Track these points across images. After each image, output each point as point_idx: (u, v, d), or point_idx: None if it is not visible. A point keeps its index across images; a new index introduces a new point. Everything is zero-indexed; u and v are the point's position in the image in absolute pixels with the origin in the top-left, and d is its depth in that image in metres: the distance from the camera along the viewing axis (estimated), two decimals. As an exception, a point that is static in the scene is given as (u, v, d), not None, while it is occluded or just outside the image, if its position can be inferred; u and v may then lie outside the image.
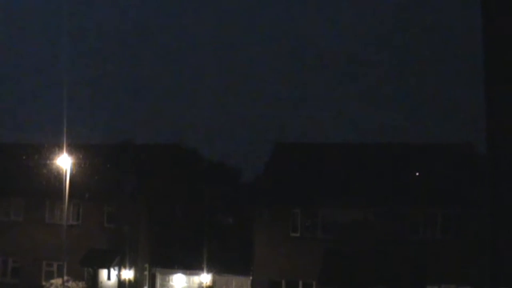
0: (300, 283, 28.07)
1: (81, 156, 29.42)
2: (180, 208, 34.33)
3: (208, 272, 30.37)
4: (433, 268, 26.35)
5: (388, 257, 26.58)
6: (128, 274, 30.35)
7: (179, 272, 31.62)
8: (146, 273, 31.67)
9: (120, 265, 30.26)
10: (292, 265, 27.92)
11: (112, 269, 30.21)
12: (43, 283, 30.35)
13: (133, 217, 30.65)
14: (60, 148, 26.86)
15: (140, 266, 31.10)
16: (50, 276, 30.68)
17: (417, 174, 28.87)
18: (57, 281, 29.18)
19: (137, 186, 31.16)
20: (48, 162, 29.09)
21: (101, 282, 30.72)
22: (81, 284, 29.59)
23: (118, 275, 30.33)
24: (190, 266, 31.14)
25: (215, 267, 30.51)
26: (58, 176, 27.83)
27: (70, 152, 26.83)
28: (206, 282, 30.53)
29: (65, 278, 28.00)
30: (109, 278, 30.48)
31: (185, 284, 31.68)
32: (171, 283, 31.95)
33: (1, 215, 32.49)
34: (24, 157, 31.57)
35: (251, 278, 29.20)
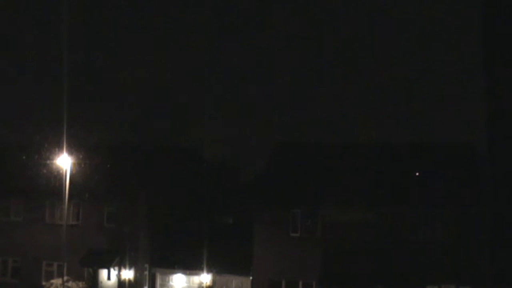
0: (300, 283, 28.10)
1: (81, 156, 29.43)
2: (180, 208, 34.33)
3: (208, 272, 30.37)
4: (433, 268, 26.38)
5: (388, 257, 26.62)
6: (128, 274, 30.36)
7: (179, 272, 31.63)
8: (146, 273, 31.70)
9: (120, 265, 30.27)
10: (292, 265, 27.94)
11: (112, 269, 30.22)
12: (43, 283, 30.36)
13: (133, 217, 30.67)
14: (60, 148, 26.87)
15: (140, 266, 31.12)
16: (50, 276, 30.69)
17: (417, 174, 28.90)
18: (57, 281, 29.19)
19: (137, 186, 31.18)
20: (48, 162, 29.10)
21: (101, 282, 30.73)
22: (81, 284, 29.60)
23: (118, 275, 30.34)
24: (190, 266, 31.13)
25: (215, 267, 30.50)
26: (58, 176, 27.86)
27: (70, 152, 26.83)
28: (206, 282, 30.54)
29: (65, 278, 28.02)
30: (109, 278, 30.48)
31: (185, 284, 31.69)
32: (171, 283, 31.97)
33: (1, 215, 32.49)
34: (24, 157, 31.56)
35: (251, 278, 29.22)
